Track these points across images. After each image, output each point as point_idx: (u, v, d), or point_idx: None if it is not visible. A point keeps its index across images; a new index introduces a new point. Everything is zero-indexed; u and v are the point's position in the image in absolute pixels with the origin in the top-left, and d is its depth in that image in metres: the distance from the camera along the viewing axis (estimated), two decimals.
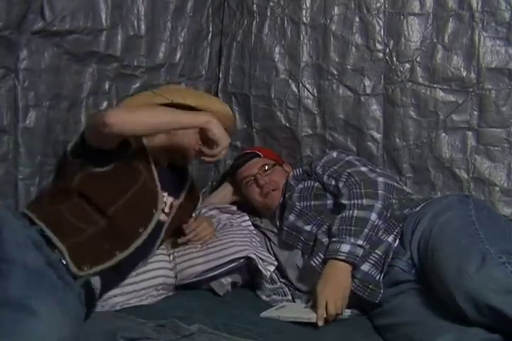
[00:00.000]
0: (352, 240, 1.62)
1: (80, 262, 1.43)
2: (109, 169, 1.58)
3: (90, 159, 1.57)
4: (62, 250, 1.41)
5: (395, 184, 1.83)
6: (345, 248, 1.62)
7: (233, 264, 1.75)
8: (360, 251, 1.62)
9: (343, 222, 1.67)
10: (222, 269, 1.74)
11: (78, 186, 1.55)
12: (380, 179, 1.76)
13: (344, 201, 1.73)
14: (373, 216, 1.66)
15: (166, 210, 1.73)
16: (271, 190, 1.96)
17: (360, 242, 1.62)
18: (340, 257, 1.61)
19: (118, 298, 1.61)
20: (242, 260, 1.75)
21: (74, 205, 1.53)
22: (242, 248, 1.77)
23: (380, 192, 1.71)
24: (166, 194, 1.72)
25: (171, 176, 1.80)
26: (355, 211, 1.68)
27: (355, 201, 1.70)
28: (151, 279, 1.70)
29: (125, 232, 1.56)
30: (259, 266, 1.75)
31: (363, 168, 1.82)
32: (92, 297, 1.47)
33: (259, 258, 1.77)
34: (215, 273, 1.74)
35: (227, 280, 1.78)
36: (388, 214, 1.72)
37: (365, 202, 1.69)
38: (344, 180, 1.78)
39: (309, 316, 1.55)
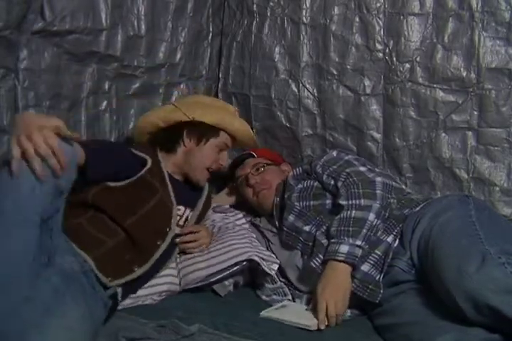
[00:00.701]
0: (350, 241, 1.62)
1: (106, 273, 1.44)
2: (124, 184, 1.58)
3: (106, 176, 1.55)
4: (88, 261, 1.41)
5: (394, 183, 1.83)
6: (344, 249, 1.62)
7: (236, 267, 1.75)
8: (359, 252, 1.62)
9: (341, 223, 1.67)
10: (226, 273, 1.74)
11: (93, 200, 1.53)
12: (379, 179, 1.75)
13: (342, 201, 1.73)
14: (371, 216, 1.66)
15: (181, 223, 1.77)
16: (262, 189, 1.97)
17: (358, 242, 1.62)
18: (339, 258, 1.61)
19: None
20: (244, 263, 1.75)
21: (92, 217, 1.53)
22: (243, 250, 1.76)
23: (378, 192, 1.71)
24: (182, 207, 1.76)
25: (189, 188, 1.85)
26: (353, 211, 1.68)
27: (353, 201, 1.70)
28: (157, 286, 1.69)
29: (143, 245, 1.57)
30: (264, 267, 1.75)
31: (362, 168, 1.81)
32: (114, 308, 1.49)
33: (262, 258, 1.77)
34: (218, 277, 1.74)
35: (229, 281, 1.78)
36: (387, 214, 1.71)
37: (363, 202, 1.69)
38: (343, 179, 1.78)
39: (308, 323, 1.53)
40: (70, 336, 1.18)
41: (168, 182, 1.70)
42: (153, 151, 1.79)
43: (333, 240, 1.66)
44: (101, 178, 1.52)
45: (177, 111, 1.86)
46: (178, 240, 1.73)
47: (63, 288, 1.22)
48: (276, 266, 1.80)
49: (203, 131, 1.83)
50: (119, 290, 1.49)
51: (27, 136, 1.15)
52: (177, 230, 1.72)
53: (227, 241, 1.80)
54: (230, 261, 1.73)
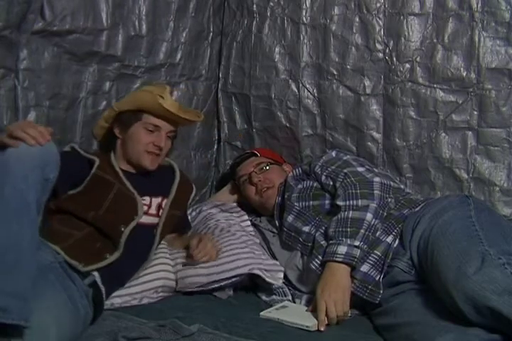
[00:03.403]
0: (348, 241, 1.62)
1: (77, 259, 1.53)
2: (82, 188, 1.70)
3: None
4: (59, 251, 1.52)
5: (392, 183, 1.83)
6: (342, 250, 1.62)
7: (236, 278, 1.74)
8: (357, 252, 1.62)
9: (339, 224, 1.68)
10: (225, 282, 1.74)
11: (58, 206, 1.67)
12: (376, 179, 1.75)
13: (339, 202, 1.73)
14: (369, 216, 1.66)
15: (152, 212, 1.79)
16: (265, 187, 1.97)
17: (356, 243, 1.62)
18: (338, 259, 1.61)
19: (117, 299, 1.63)
20: (244, 275, 1.75)
21: (61, 218, 1.66)
22: (246, 262, 1.75)
23: (375, 192, 1.71)
24: (147, 197, 1.79)
25: (155, 177, 1.86)
26: (351, 212, 1.68)
27: (351, 202, 1.70)
28: (153, 281, 1.71)
29: (109, 233, 1.65)
30: (268, 279, 1.74)
31: (360, 168, 1.81)
32: (99, 296, 1.53)
33: (265, 270, 1.76)
34: (218, 285, 1.74)
35: (229, 288, 1.78)
36: (385, 214, 1.71)
37: (360, 202, 1.69)
38: (340, 180, 1.78)
39: (308, 324, 1.53)
40: (52, 317, 1.25)
41: (122, 176, 1.77)
42: (105, 152, 1.87)
43: (331, 241, 1.66)
44: (66, 190, 1.68)
45: (112, 110, 1.89)
46: (189, 260, 1.76)
47: (41, 279, 1.30)
48: (281, 275, 1.80)
49: (125, 118, 1.84)
50: (97, 276, 1.56)
51: (21, 127, 1.32)
52: (151, 219, 1.77)
53: (230, 250, 1.79)
54: (231, 272, 1.73)
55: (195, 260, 1.74)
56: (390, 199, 1.75)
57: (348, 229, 1.65)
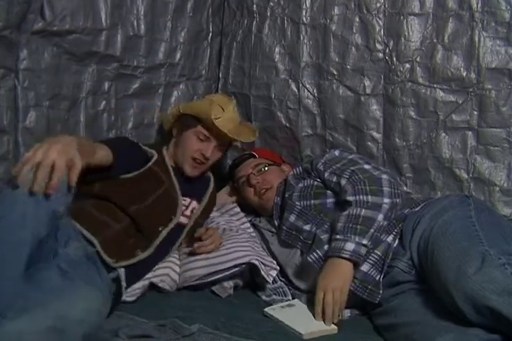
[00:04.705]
0: (357, 239, 1.61)
1: (110, 255, 1.54)
2: (133, 176, 1.72)
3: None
4: (95, 243, 1.51)
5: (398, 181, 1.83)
6: (350, 247, 1.61)
7: (235, 269, 1.75)
8: (364, 251, 1.61)
9: (350, 220, 1.65)
10: (224, 274, 1.74)
11: (100, 190, 1.65)
12: (384, 176, 1.74)
13: (349, 197, 1.70)
14: (380, 216, 1.65)
15: (187, 213, 1.85)
16: (264, 189, 1.97)
17: (365, 242, 1.61)
18: (345, 255, 1.60)
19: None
20: (244, 265, 1.75)
21: (97, 204, 1.63)
22: (245, 253, 1.77)
23: (385, 189, 1.70)
24: (187, 198, 1.86)
25: (196, 181, 1.93)
26: (363, 210, 1.66)
27: (361, 197, 1.68)
28: (159, 269, 1.74)
29: (146, 231, 1.67)
30: (262, 272, 1.75)
31: (367, 166, 1.80)
32: (119, 292, 1.55)
33: (262, 263, 1.77)
34: (216, 277, 1.74)
35: (229, 283, 1.78)
36: (393, 215, 1.71)
37: (371, 199, 1.67)
38: (347, 177, 1.76)
39: (302, 332, 1.51)
40: (86, 305, 1.23)
41: (173, 175, 1.83)
42: (160, 147, 1.92)
43: (338, 236, 1.64)
44: (120, 174, 1.67)
45: (177, 106, 2.00)
46: (196, 245, 1.75)
47: (71, 271, 1.29)
48: (274, 273, 1.80)
49: (184, 121, 1.93)
50: (122, 272, 1.56)
51: (47, 148, 1.21)
52: (182, 219, 1.81)
53: (230, 242, 1.81)
54: (231, 262, 1.73)
55: (200, 246, 1.74)
56: (398, 200, 1.73)
57: (358, 227, 1.63)
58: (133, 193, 1.68)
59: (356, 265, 1.61)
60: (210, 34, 2.30)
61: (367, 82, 2.09)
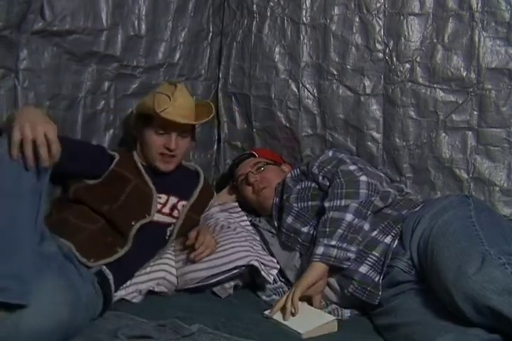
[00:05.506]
0: (325, 241, 1.65)
1: (86, 255, 1.56)
2: (100, 180, 1.77)
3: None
4: (70, 246, 1.54)
5: (385, 184, 1.83)
6: (319, 250, 1.64)
7: (236, 271, 1.75)
8: (333, 252, 1.63)
9: (321, 225, 1.70)
10: (225, 275, 1.74)
11: (74, 195, 1.73)
12: (363, 178, 1.75)
13: (325, 203, 1.74)
14: (348, 216, 1.67)
15: (166, 211, 1.82)
16: (262, 187, 1.97)
17: (333, 243, 1.63)
18: (315, 259, 1.64)
19: (121, 291, 1.66)
20: (244, 267, 1.75)
21: (76, 210, 1.69)
22: (244, 254, 1.76)
23: (361, 191, 1.71)
24: (163, 195, 1.83)
25: (179, 178, 1.91)
26: (331, 212, 1.70)
27: (333, 202, 1.72)
28: (151, 273, 1.73)
29: (121, 228, 1.68)
30: (262, 273, 1.75)
31: (352, 167, 1.81)
32: (107, 286, 1.56)
33: (262, 263, 1.77)
34: (217, 279, 1.74)
35: (229, 283, 1.79)
36: (369, 212, 1.71)
37: (343, 202, 1.70)
38: (333, 180, 1.79)
39: (301, 331, 1.51)
40: (49, 298, 1.26)
41: (144, 172, 1.83)
42: (129, 149, 1.93)
43: (314, 242, 1.68)
44: (76, 172, 1.73)
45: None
46: (192, 256, 1.74)
47: (44, 265, 1.32)
48: (275, 271, 1.81)
49: (139, 120, 1.90)
50: (104, 268, 1.58)
51: (31, 126, 1.31)
52: (165, 218, 1.82)
53: (229, 243, 1.80)
54: (230, 264, 1.73)
55: (197, 255, 1.72)
56: (375, 198, 1.74)
57: (327, 230, 1.66)
58: (103, 195, 1.72)
59: (332, 266, 1.63)
60: (210, 34, 2.30)
61: (367, 82, 2.09)
